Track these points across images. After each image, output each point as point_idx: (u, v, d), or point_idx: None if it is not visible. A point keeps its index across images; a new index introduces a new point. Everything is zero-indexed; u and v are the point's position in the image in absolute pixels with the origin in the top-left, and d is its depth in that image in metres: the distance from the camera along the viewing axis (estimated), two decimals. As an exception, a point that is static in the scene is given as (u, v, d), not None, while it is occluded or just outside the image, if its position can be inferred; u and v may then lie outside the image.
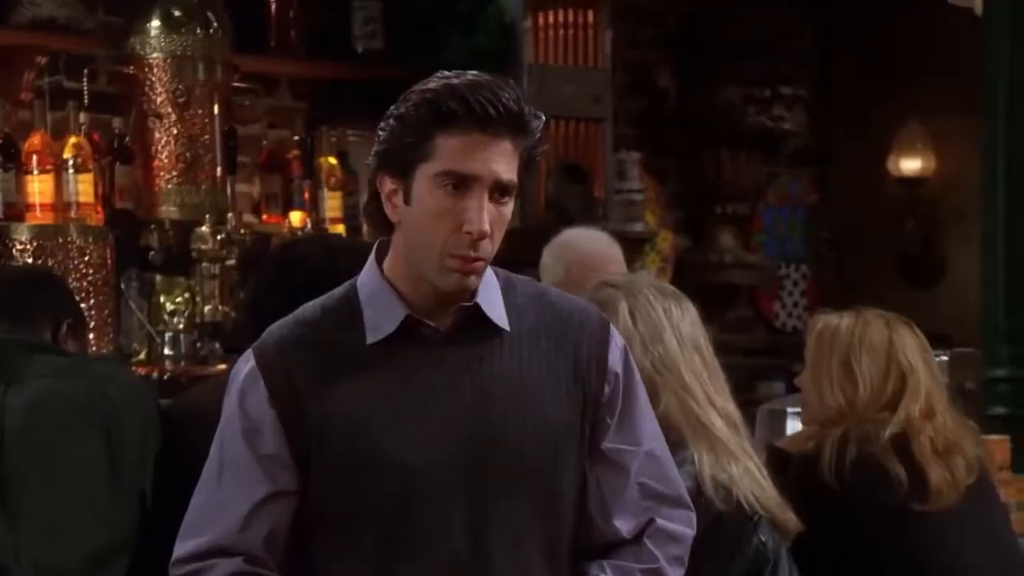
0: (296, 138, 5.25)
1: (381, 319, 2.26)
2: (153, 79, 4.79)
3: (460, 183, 2.21)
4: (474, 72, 2.26)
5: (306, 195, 5.16)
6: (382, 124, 2.25)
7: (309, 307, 2.34)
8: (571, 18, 5.82)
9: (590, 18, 5.84)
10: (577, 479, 2.29)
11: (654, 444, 2.34)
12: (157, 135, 4.78)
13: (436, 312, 2.28)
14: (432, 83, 2.22)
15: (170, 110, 4.77)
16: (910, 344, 2.96)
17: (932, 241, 7.19)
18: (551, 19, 5.76)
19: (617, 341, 2.38)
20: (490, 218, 2.21)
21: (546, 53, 5.75)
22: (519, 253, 5.42)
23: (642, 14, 6.74)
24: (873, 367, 2.94)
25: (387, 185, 2.26)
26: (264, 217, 5.19)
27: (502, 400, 2.27)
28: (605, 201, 5.81)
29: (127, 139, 4.78)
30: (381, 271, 2.29)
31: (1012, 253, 4.23)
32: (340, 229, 5.18)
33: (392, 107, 2.25)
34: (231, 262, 4.78)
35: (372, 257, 2.32)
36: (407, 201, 2.24)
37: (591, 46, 5.85)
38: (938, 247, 7.16)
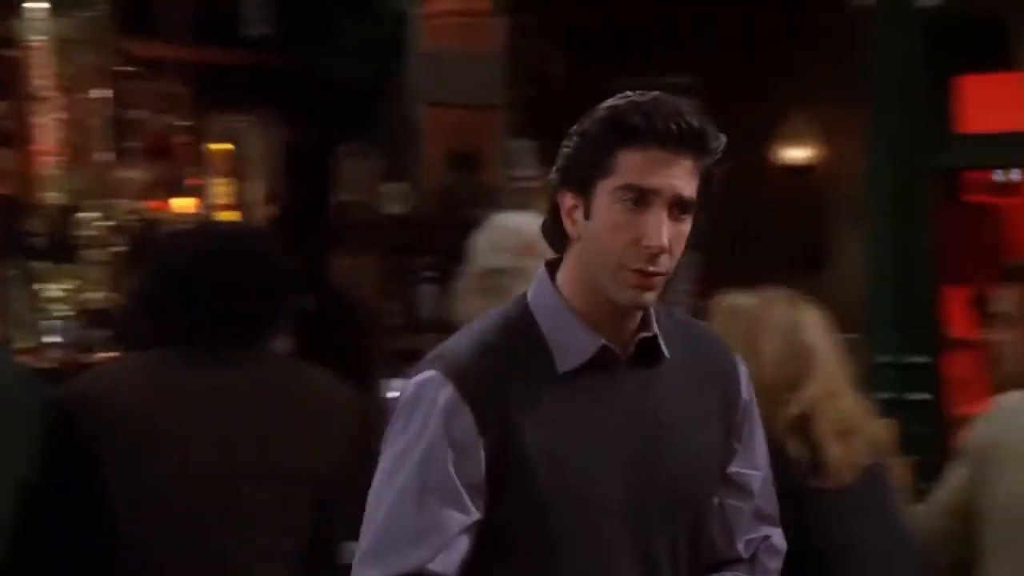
0: (183, 124, 5.16)
1: (571, 347, 2.29)
2: (37, 62, 4.68)
3: (640, 198, 2.24)
4: (657, 92, 2.29)
5: (193, 181, 5.07)
6: (565, 141, 2.29)
7: (489, 328, 2.35)
8: (463, 5, 5.80)
9: (482, 5, 5.83)
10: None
11: (767, 467, 2.44)
12: (41, 119, 4.68)
13: (614, 336, 2.31)
14: (617, 101, 2.26)
15: (55, 94, 4.66)
16: (814, 324, 2.99)
17: (817, 230, 7.30)
18: (443, 6, 5.74)
19: (742, 367, 2.45)
20: (669, 234, 2.23)
21: (438, 40, 5.72)
22: (409, 239, 5.39)
23: (534, 1, 6.75)
24: (776, 346, 2.96)
25: (568, 201, 2.28)
26: (151, 203, 5.10)
27: (668, 430, 2.34)
28: (497, 189, 5.81)
29: (7, 122, 4.67)
30: (557, 291, 2.32)
31: (900, 241, 4.31)
32: (230, 216, 5.10)
33: (575, 125, 2.30)
34: (118, 248, 4.69)
35: (545, 276, 2.36)
36: (587, 216, 2.27)
37: (483, 33, 5.84)
38: (823, 236, 7.27)
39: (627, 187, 2.22)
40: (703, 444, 2.38)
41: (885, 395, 3.74)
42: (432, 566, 2.23)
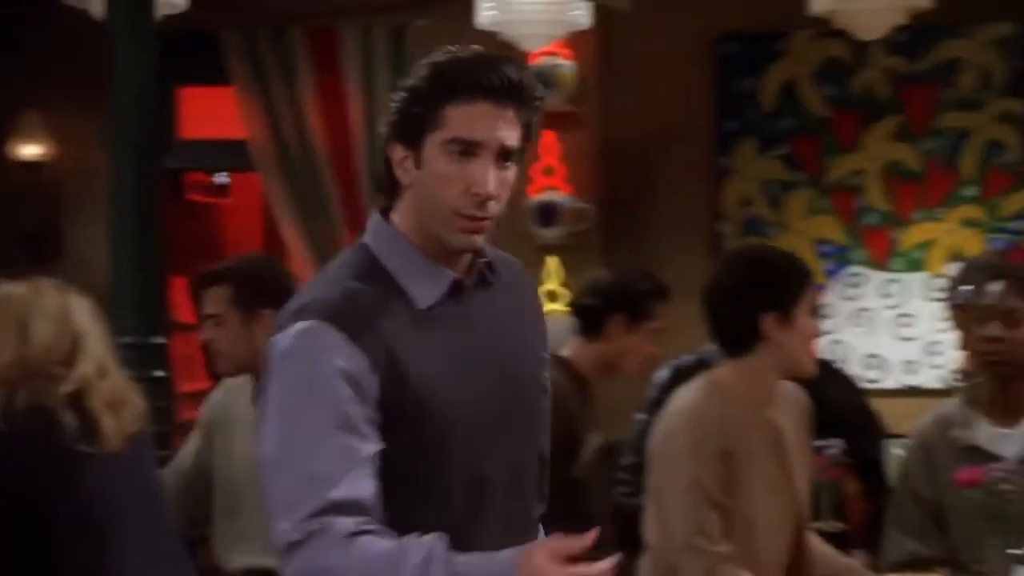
0: None
1: (425, 284, 2.41)
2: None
3: (467, 150, 2.34)
4: (477, 46, 2.38)
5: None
6: (393, 96, 2.37)
7: (342, 276, 2.42)
8: None
9: None
10: None
11: None
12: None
13: (455, 268, 2.43)
14: (439, 56, 2.35)
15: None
16: (81, 310, 3.33)
17: (52, 221, 7.59)
18: None
19: (534, 280, 2.72)
20: (495, 181, 2.35)
21: None
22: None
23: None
24: (49, 329, 3.26)
25: (398, 152, 2.38)
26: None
27: (512, 346, 2.50)
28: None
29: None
30: (398, 233, 2.42)
31: (136, 234, 4.68)
32: None
33: (401, 80, 2.38)
34: None
35: (381, 221, 2.44)
36: (417, 166, 2.36)
37: None
38: (58, 227, 7.57)
39: (455, 140, 2.33)
40: (534, 356, 2.57)
41: (129, 372, 4.04)
42: (350, 494, 2.29)
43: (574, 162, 6.98)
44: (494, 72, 2.31)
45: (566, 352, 4.43)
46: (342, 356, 2.30)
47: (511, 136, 2.35)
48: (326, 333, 2.31)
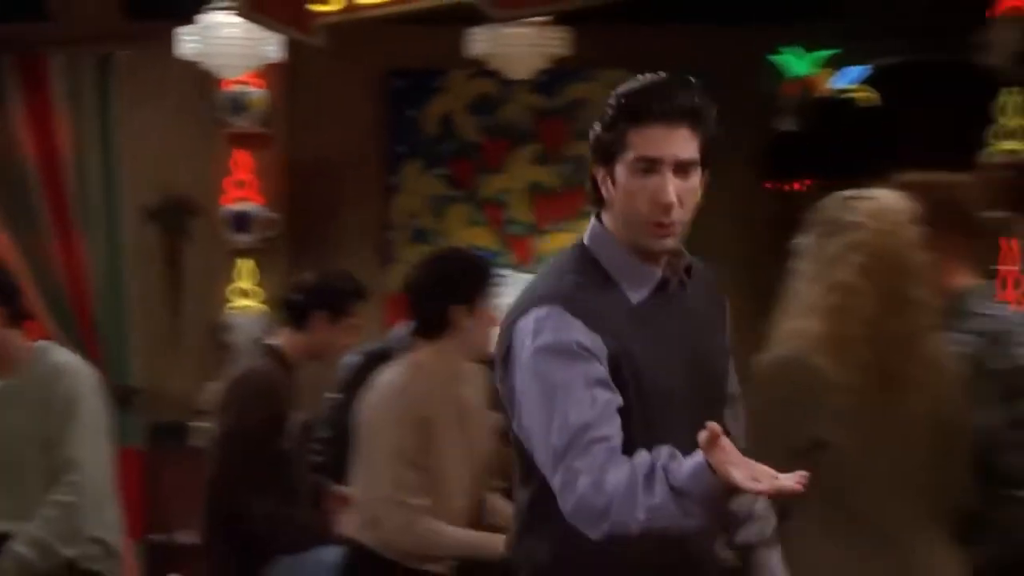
0: None
1: (637, 280, 2.52)
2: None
3: (649, 167, 2.43)
4: (661, 73, 2.48)
5: None
6: (592, 127, 2.51)
7: (567, 270, 2.51)
8: None
9: None
10: None
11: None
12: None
13: (653, 265, 2.53)
14: (626, 87, 2.49)
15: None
16: None
17: None
18: None
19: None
20: (677, 190, 2.44)
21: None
22: None
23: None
24: None
25: (599, 172, 2.50)
26: None
27: (708, 337, 2.61)
28: None
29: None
30: (612, 237, 2.51)
31: None
32: None
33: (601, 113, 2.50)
34: None
35: (598, 225, 2.54)
36: (614, 184, 2.48)
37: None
38: None
39: (638, 159, 2.45)
40: (721, 346, 2.69)
41: None
42: (604, 432, 2.37)
43: (265, 177, 7.06)
44: (666, 98, 2.44)
45: (276, 341, 4.50)
46: (580, 333, 2.43)
47: (686, 150, 2.46)
48: (562, 316, 2.44)
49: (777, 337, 3.11)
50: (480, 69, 6.64)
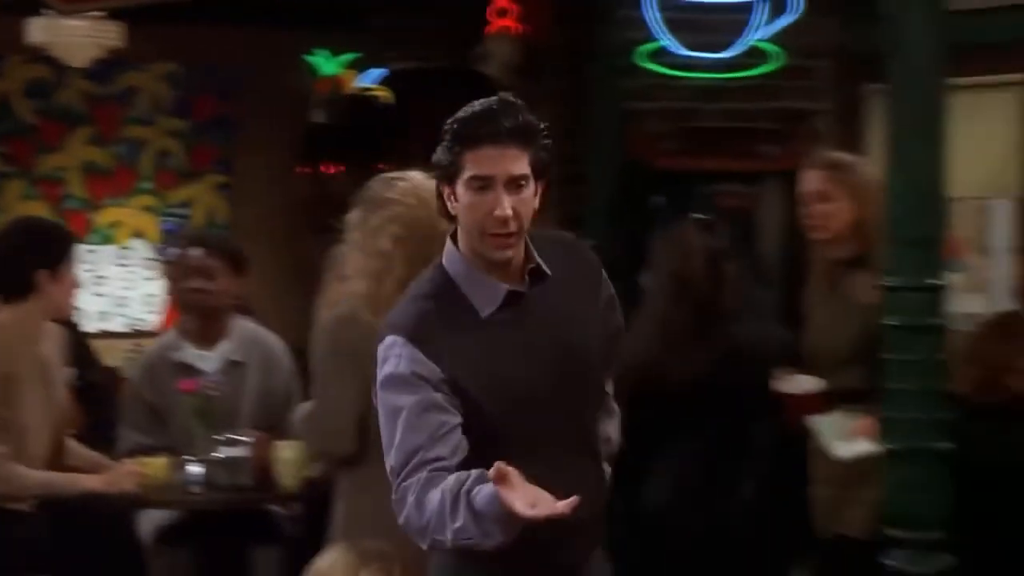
0: None
1: (485, 295, 2.49)
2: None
3: (483, 185, 2.41)
4: (484, 100, 2.45)
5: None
6: (436, 150, 2.46)
7: (422, 294, 2.49)
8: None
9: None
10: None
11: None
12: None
13: (506, 277, 2.48)
14: (461, 113, 2.45)
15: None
16: None
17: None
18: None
19: (596, 256, 2.66)
20: (512, 203, 2.42)
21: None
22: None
23: None
24: None
25: (444, 191, 2.48)
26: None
27: (565, 330, 2.54)
28: None
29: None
30: (461, 254, 2.50)
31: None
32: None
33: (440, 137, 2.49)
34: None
35: (450, 244, 2.52)
36: (456, 200, 2.46)
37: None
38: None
39: (473, 178, 2.42)
40: (589, 333, 2.60)
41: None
42: (435, 454, 2.38)
43: None
44: (494, 121, 2.43)
45: None
46: (417, 364, 2.44)
47: (516, 167, 2.44)
48: (404, 346, 2.45)
49: (332, 297, 3.40)
50: (36, 55, 6.51)
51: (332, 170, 7.34)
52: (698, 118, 5.57)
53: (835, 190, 3.74)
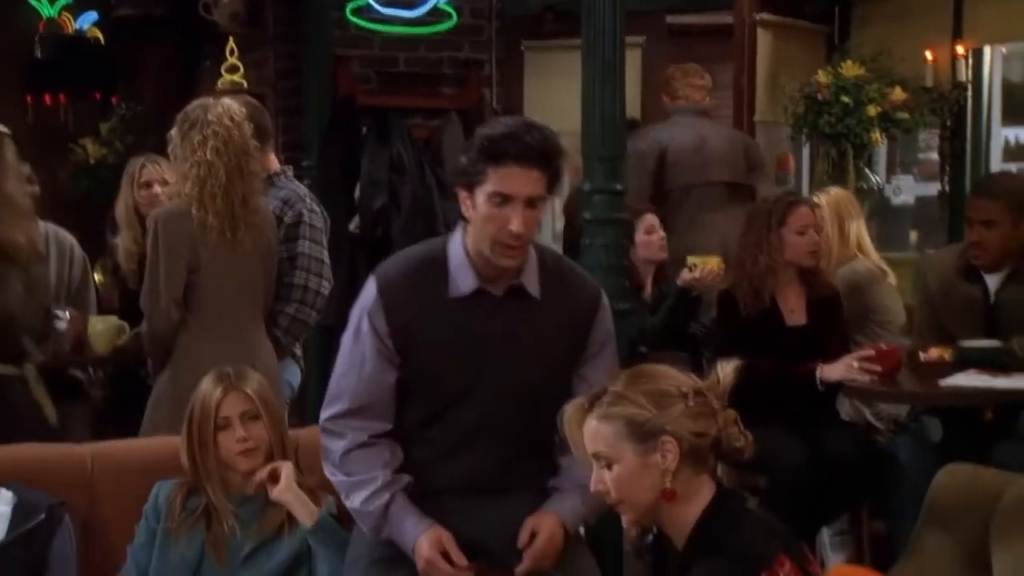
0: None
1: (462, 282, 2.60)
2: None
3: (503, 200, 2.50)
4: (512, 119, 2.55)
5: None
6: (462, 156, 2.54)
7: (417, 255, 2.60)
8: None
9: None
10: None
11: (603, 379, 2.68)
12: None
13: (495, 282, 2.59)
14: (491, 128, 2.54)
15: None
16: None
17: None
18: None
19: (604, 300, 2.72)
20: (524, 220, 2.51)
21: None
22: None
23: None
24: None
25: (462, 194, 2.56)
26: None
27: (521, 346, 2.60)
28: None
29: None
30: (465, 246, 2.60)
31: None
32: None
33: (467, 145, 2.56)
34: None
35: (461, 229, 2.61)
36: (473, 206, 2.55)
37: None
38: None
39: (494, 193, 2.51)
40: (549, 355, 2.65)
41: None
42: (363, 402, 2.56)
43: None
44: (521, 143, 2.49)
45: None
46: (374, 314, 2.58)
47: (536, 189, 2.53)
48: (375, 296, 2.58)
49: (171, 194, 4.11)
50: None
51: (57, 99, 7.66)
52: (394, 64, 6.35)
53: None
